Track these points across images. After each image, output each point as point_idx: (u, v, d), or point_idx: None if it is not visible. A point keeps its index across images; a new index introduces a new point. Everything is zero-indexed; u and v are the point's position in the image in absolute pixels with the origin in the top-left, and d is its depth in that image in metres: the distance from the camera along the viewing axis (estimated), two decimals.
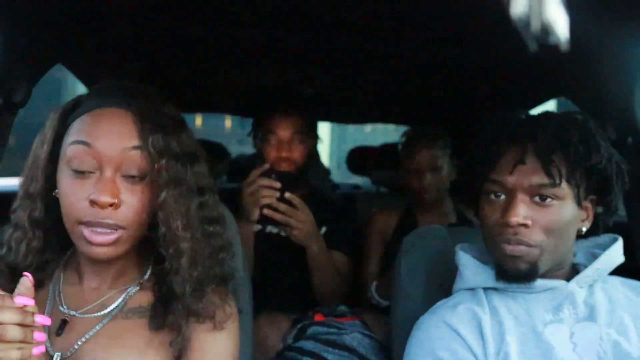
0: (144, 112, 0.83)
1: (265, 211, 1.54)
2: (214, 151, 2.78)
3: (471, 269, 1.02)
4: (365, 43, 1.46)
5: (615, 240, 1.01)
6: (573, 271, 0.99)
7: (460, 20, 1.22)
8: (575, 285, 0.97)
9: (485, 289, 1.01)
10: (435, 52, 1.51)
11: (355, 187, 3.18)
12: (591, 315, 0.94)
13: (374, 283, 1.73)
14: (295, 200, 1.54)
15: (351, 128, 6.38)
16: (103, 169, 0.80)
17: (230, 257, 0.93)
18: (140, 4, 1.24)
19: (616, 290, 0.98)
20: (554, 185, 0.90)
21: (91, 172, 0.80)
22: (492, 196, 0.94)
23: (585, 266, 0.98)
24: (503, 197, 0.93)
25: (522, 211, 0.90)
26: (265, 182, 1.52)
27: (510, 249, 0.91)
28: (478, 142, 0.98)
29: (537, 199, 0.91)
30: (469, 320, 0.96)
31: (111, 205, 0.78)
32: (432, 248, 1.21)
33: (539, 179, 0.90)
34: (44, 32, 1.26)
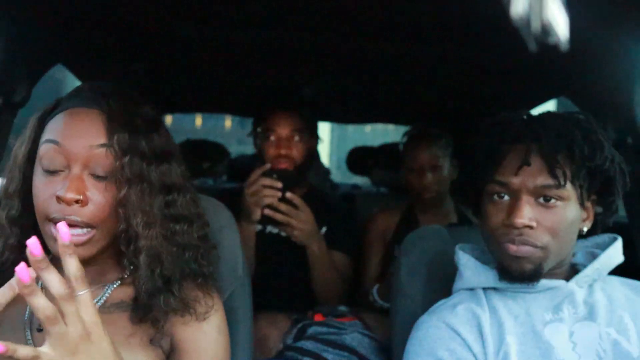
0: (114, 112, 0.84)
1: (266, 211, 1.54)
2: (214, 151, 2.78)
3: (471, 269, 1.02)
4: (365, 43, 1.46)
5: (614, 240, 1.01)
6: (572, 271, 0.99)
7: (461, 20, 1.22)
8: (575, 285, 0.97)
9: (484, 289, 1.01)
10: (435, 52, 1.51)
11: (355, 187, 3.18)
12: (590, 315, 0.94)
13: (376, 286, 1.73)
14: (296, 200, 1.54)
15: (351, 128, 6.39)
16: (71, 166, 0.81)
17: (202, 256, 0.93)
18: (141, 4, 1.24)
19: (615, 290, 0.98)
20: (559, 186, 0.89)
21: (60, 170, 0.82)
22: (496, 197, 0.94)
23: (585, 266, 0.98)
24: (506, 198, 0.93)
25: (527, 212, 0.90)
26: (267, 181, 1.52)
27: (514, 249, 0.91)
28: (480, 142, 0.98)
29: (541, 200, 0.91)
30: (468, 320, 0.96)
31: (77, 202, 0.79)
32: (432, 248, 1.21)
33: (544, 180, 0.90)
34: (44, 32, 1.26)
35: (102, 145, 0.82)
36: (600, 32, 1.17)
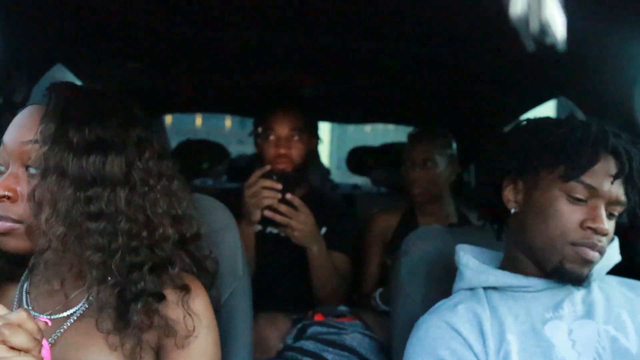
0: (50, 105, 0.82)
1: (266, 212, 1.54)
2: (214, 151, 2.78)
3: (472, 269, 1.02)
4: (365, 43, 1.46)
5: (611, 240, 1.02)
6: None
7: (461, 20, 1.22)
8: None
9: (485, 288, 1.01)
10: (435, 52, 1.51)
11: (355, 187, 3.18)
12: (589, 313, 0.95)
13: (378, 290, 1.71)
14: (296, 201, 1.54)
15: (351, 128, 6.40)
16: (9, 164, 0.82)
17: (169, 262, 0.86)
18: (140, 4, 1.24)
19: (613, 289, 0.99)
20: (626, 205, 0.94)
21: (5, 169, 0.82)
22: (572, 198, 0.94)
23: None
24: (584, 200, 0.93)
25: (607, 220, 0.93)
26: (267, 183, 1.52)
27: (591, 254, 0.92)
28: (560, 138, 0.96)
29: (611, 212, 0.94)
30: (469, 319, 0.96)
31: (8, 198, 0.79)
32: (432, 248, 1.21)
33: (622, 195, 0.93)
34: (44, 32, 1.26)
35: (32, 141, 0.81)
36: (599, 32, 1.17)
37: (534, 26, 0.52)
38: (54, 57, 1.39)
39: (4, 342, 0.63)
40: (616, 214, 0.95)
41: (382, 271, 1.86)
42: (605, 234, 0.92)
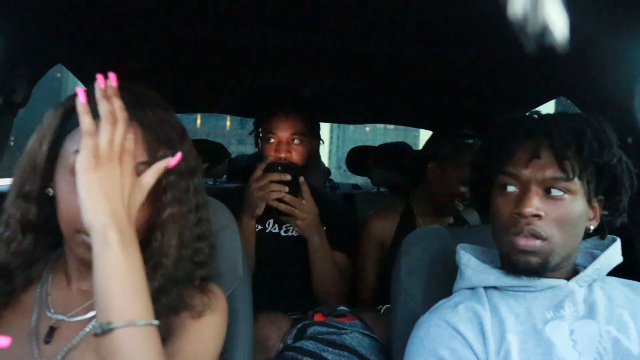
0: (152, 124, 0.81)
1: (271, 202, 1.54)
2: (214, 151, 2.78)
3: (472, 268, 1.03)
4: (365, 43, 1.46)
5: (613, 241, 1.02)
6: (573, 272, 1.00)
7: (461, 20, 1.22)
8: (575, 285, 0.97)
9: (485, 288, 1.01)
10: (435, 53, 1.51)
11: (355, 187, 3.18)
12: (590, 313, 0.95)
13: (386, 307, 1.67)
14: (304, 187, 1.54)
15: (351, 128, 6.40)
16: None
17: (208, 263, 0.91)
18: (141, 4, 1.24)
19: (614, 289, 0.99)
20: (567, 179, 0.92)
21: None
22: (505, 189, 0.96)
23: (584, 267, 0.99)
24: (515, 189, 0.95)
25: (535, 202, 0.91)
26: (275, 176, 1.52)
27: (523, 243, 0.92)
28: (493, 137, 1.01)
29: (549, 192, 0.93)
30: (469, 318, 0.96)
31: None
32: (432, 248, 1.21)
33: (553, 172, 0.92)
34: (44, 32, 1.26)
35: (144, 163, 0.79)
36: (600, 32, 1.17)
37: (535, 27, 0.52)
38: (54, 57, 1.39)
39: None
40: (562, 189, 0.92)
41: (381, 278, 1.81)
42: (531, 215, 0.90)
